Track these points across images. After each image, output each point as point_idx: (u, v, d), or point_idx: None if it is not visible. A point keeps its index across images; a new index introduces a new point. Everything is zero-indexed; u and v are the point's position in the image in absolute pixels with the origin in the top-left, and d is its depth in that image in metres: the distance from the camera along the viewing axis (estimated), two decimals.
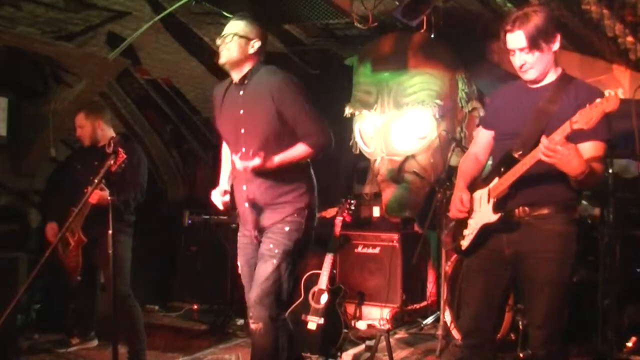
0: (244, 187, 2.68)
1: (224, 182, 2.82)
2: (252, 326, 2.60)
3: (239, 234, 2.82)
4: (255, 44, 2.61)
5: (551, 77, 2.31)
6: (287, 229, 2.61)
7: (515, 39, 2.23)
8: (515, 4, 3.90)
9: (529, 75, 2.29)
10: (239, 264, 2.82)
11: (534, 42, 2.20)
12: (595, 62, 4.21)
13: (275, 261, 2.57)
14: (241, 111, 2.64)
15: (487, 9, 4.22)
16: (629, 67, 4.08)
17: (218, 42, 2.62)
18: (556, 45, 2.26)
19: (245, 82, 2.64)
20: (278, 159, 2.54)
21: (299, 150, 2.59)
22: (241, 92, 2.65)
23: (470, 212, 2.45)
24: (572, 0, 3.56)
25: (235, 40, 2.58)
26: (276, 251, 2.58)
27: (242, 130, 2.64)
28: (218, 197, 2.73)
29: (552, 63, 2.29)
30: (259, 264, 2.62)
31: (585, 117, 1.92)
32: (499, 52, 4.73)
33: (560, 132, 2.00)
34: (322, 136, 2.59)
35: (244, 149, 2.61)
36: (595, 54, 4.15)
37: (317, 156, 2.63)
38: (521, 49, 2.23)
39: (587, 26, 3.73)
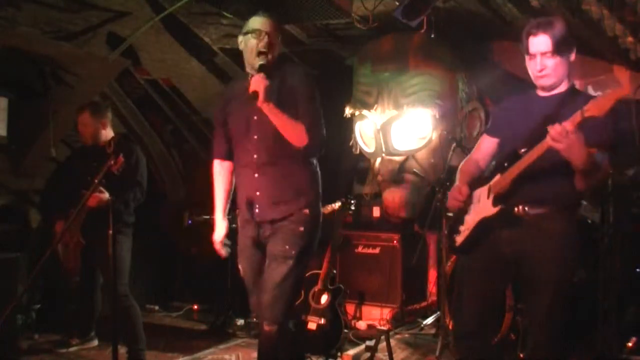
0: (254, 175, 2.62)
1: (221, 224, 2.78)
2: (266, 327, 2.56)
3: (239, 234, 2.77)
4: (279, 37, 2.64)
5: (562, 88, 2.33)
6: (301, 229, 2.57)
7: (540, 42, 2.25)
8: (515, 4, 3.91)
9: (546, 81, 2.30)
10: (240, 267, 2.77)
11: (558, 47, 2.23)
12: (595, 62, 4.21)
13: (291, 262, 2.53)
14: (255, 117, 2.57)
15: (487, 9, 4.21)
16: (629, 67, 4.08)
17: (254, 30, 2.55)
18: (572, 56, 2.30)
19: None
20: (277, 110, 2.44)
21: (297, 125, 2.50)
22: None
23: (466, 207, 2.46)
24: (572, 0, 3.56)
25: (273, 35, 2.57)
26: (293, 252, 2.54)
27: (255, 118, 2.56)
28: (219, 245, 2.77)
29: (566, 74, 2.32)
30: (272, 265, 2.57)
31: (597, 105, 1.94)
32: (499, 52, 4.73)
33: (571, 120, 2.01)
34: (317, 138, 2.55)
35: (256, 136, 2.57)
36: (595, 54, 4.15)
37: (304, 148, 2.52)
38: (544, 53, 2.25)
39: (587, 26, 3.73)
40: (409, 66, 4.66)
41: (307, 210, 2.59)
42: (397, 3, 3.88)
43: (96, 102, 4.15)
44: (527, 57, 2.33)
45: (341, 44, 5.15)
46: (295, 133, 2.50)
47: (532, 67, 2.31)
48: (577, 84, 3.95)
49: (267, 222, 2.62)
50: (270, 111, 2.44)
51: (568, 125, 2.01)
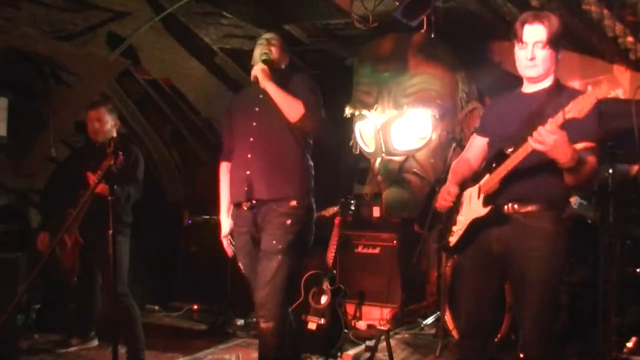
0: (247, 156, 2.73)
1: (226, 222, 2.87)
2: (263, 325, 2.59)
3: (234, 233, 2.81)
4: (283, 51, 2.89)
5: (546, 83, 2.35)
6: (288, 222, 2.62)
7: (535, 31, 2.26)
8: (515, 4, 3.91)
9: (533, 71, 2.31)
10: (241, 265, 2.80)
11: (552, 39, 2.25)
12: (595, 62, 4.21)
13: (280, 257, 2.58)
14: (257, 108, 2.76)
15: (487, 9, 4.22)
16: (629, 67, 4.08)
17: (261, 41, 2.83)
18: (560, 54, 2.33)
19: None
20: (277, 88, 2.65)
21: (296, 100, 2.64)
22: (261, 96, 2.73)
23: (458, 207, 2.48)
24: (572, 0, 3.56)
25: (277, 46, 2.83)
26: (280, 247, 2.59)
27: (257, 109, 2.75)
28: (227, 242, 2.86)
29: (553, 69, 2.33)
30: (263, 262, 2.61)
31: (578, 106, 1.95)
32: (499, 52, 4.74)
33: (553, 121, 2.02)
34: (317, 117, 2.70)
35: (255, 123, 2.73)
36: (595, 54, 4.15)
37: (302, 122, 2.65)
38: (537, 42, 2.26)
39: (587, 26, 3.74)
40: (409, 66, 4.66)
41: (294, 202, 2.64)
42: (397, 3, 3.89)
43: (102, 99, 4.11)
44: (517, 46, 2.32)
45: (341, 44, 5.15)
46: (293, 107, 2.63)
47: (522, 56, 2.31)
48: (577, 84, 3.96)
49: (257, 206, 2.67)
50: (271, 89, 2.64)
51: (551, 126, 2.02)
